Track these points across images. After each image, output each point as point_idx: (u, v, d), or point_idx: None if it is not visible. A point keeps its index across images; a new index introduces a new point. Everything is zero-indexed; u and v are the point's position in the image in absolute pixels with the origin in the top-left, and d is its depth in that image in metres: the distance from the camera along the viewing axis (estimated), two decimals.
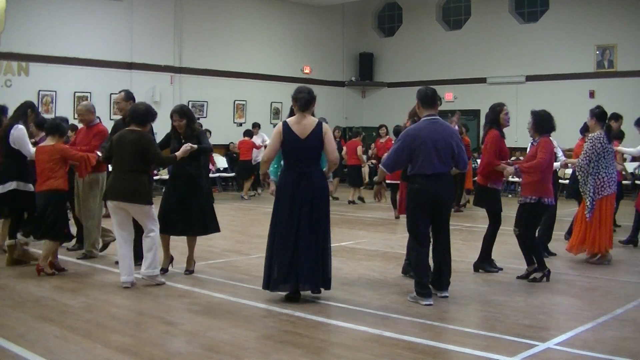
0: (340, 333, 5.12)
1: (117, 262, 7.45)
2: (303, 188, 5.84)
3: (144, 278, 6.58)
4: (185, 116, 7.09)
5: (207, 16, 18.83)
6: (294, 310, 5.64)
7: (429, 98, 6.09)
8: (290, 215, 5.83)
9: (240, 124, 19.36)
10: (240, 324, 5.27)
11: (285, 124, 5.96)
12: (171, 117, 7.14)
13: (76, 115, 9.82)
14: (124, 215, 6.56)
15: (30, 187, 7.66)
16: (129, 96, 7.66)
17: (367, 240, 9.80)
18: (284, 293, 5.98)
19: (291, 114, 6.69)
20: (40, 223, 7.03)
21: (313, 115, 6.10)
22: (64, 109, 15.33)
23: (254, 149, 16.24)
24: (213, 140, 16.52)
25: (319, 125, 5.94)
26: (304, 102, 5.95)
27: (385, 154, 6.55)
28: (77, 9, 16.28)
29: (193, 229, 7.05)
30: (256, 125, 17.23)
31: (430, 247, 6.12)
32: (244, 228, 11.30)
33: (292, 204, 5.84)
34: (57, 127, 7.20)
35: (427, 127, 6.00)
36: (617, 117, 10.04)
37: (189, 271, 7.19)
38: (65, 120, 8.42)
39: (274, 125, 19.87)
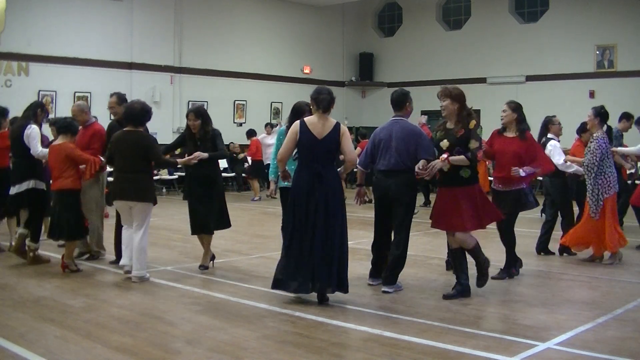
0: (340, 333, 5.12)
1: (111, 262, 7.51)
2: (318, 188, 5.79)
3: (134, 280, 6.64)
4: (201, 117, 7.13)
5: (207, 16, 18.83)
6: (294, 310, 5.64)
7: (393, 102, 6.55)
8: (306, 216, 5.78)
9: (240, 124, 19.37)
10: (240, 324, 5.27)
11: (302, 123, 5.89)
12: (187, 116, 7.22)
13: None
14: (129, 213, 6.75)
15: (44, 185, 7.70)
16: (121, 99, 7.67)
17: (367, 240, 9.75)
18: (290, 294, 5.95)
19: (293, 115, 6.63)
20: (55, 223, 7.10)
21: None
22: (64, 109, 15.29)
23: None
24: None
25: (336, 126, 5.91)
26: (326, 103, 5.94)
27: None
28: (77, 9, 16.29)
29: (209, 227, 7.20)
30: (268, 125, 17.16)
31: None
32: (244, 228, 11.30)
33: (308, 204, 5.78)
34: (70, 126, 7.28)
35: (389, 127, 6.45)
36: (629, 116, 9.97)
37: (204, 267, 7.27)
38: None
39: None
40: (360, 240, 9.76)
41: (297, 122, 5.96)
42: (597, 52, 17.97)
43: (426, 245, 8.99)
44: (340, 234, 5.85)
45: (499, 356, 4.48)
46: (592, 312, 5.69)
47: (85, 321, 5.30)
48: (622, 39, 17.49)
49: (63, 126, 7.27)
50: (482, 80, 19.73)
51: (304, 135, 5.83)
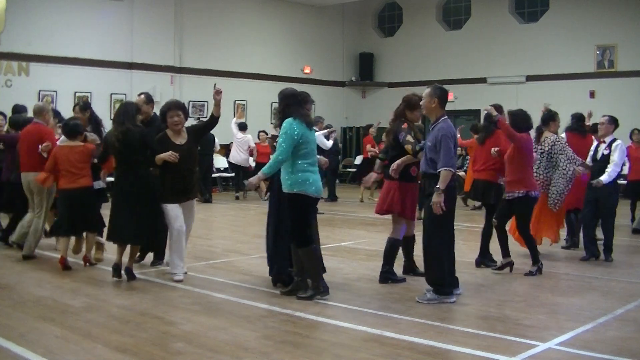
0: (340, 333, 5.11)
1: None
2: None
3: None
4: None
5: (207, 16, 18.82)
6: (294, 310, 5.65)
7: None
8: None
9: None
10: (240, 324, 5.27)
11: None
12: None
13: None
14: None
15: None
16: (149, 99, 7.66)
17: (367, 240, 9.80)
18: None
19: (282, 115, 6.43)
20: (80, 218, 7.23)
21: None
22: (64, 109, 15.29)
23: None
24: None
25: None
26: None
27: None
28: (77, 9, 16.27)
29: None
30: (244, 127, 16.83)
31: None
32: (244, 228, 11.31)
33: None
34: (76, 129, 7.37)
35: None
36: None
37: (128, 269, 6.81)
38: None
39: (275, 126, 19.80)
40: (360, 240, 9.77)
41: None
42: (597, 52, 17.95)
43: None
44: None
45: (499, 356, 4.49)
46: (592, 312, 5.69)
47: (85, 321, 5.30)
48: (622, 39, 17.48)
49: (71, 131, 7.34)
50: (482, 80, 19.72)
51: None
